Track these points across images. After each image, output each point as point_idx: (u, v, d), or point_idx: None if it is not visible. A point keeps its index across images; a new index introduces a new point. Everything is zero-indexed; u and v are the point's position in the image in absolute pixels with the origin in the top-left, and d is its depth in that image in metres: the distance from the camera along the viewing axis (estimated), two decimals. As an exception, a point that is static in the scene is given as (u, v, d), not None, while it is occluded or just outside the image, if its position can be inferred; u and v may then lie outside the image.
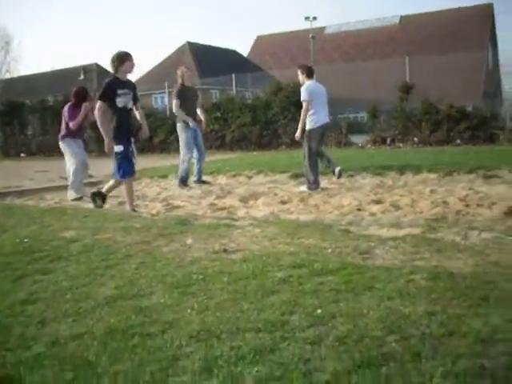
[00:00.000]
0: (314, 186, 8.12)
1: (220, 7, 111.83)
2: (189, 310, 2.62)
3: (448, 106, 17.06)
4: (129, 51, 6.49)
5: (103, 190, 6.91)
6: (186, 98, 9.07)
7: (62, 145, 8.56)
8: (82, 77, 57.01)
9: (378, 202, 6.99)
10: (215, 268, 3.23)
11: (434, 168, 8.86)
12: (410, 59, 18.60)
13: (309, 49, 54.28)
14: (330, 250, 3.37)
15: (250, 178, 9.90)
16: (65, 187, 9.97)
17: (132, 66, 6.48)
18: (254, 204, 7.29)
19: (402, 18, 58.53)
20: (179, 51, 45.48)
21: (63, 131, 8.50)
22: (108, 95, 6.34)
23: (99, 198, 6.79)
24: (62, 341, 2.41)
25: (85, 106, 8.34)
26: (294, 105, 18.41)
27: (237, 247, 3.74)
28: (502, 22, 76.52)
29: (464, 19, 52.98)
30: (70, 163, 8.48)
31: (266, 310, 2.52)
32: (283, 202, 7.28)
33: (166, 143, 20.94)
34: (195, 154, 9.16)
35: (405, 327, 2.22)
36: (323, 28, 60.15)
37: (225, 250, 3.62)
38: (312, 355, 2.04)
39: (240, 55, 53.64)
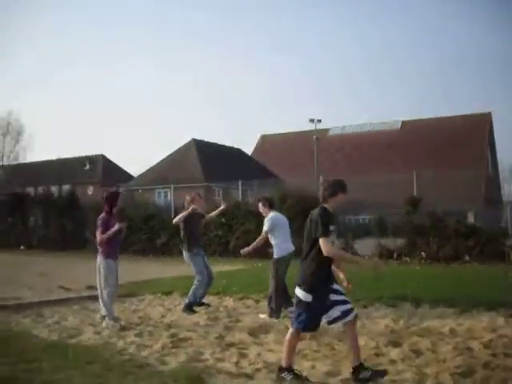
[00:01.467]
0: (274, 314, 8.23)
1: (226, 109, 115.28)
2: None
3: (456, 221, 16.96)
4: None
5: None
6: (195, 224, 9.02)
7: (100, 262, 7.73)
8: (87, 167, 57.94)
9: (395, 343, 6.59)
10: None
11: (451, 302, 8.50)
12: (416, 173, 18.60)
13: (312, 149, 55.29)
14: None
15: (257, 302, 9.53)
16: (63, 300, 9.68)
17: (343, 200, 5.16)
18: (265, 339, 6.88)
19: (403, 122, 59.94)
20: (185, 147, 46.23)
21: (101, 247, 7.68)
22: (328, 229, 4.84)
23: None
24: None
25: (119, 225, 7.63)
26: (302, 213, 18.32)
27: None
28: (499, 131, 78.31)
29: (464, 126, 54.22)
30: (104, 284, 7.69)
31: None
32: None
33: (168, 245, 20.68)
34: (203, 277, 8.87)
35: None
36: (327, 130, 61.47)
37: None
38: None
39: (244, 153, 54.49)
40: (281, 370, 4.98)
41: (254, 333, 7.23)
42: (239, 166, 44.07)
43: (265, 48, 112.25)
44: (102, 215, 7.75)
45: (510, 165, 64.20)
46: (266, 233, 8.37)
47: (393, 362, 5.87)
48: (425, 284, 10.64)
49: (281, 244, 8.37)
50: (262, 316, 8.32)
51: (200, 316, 8.51)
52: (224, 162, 43.98)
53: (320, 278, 4.92)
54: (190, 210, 8.94)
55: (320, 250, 4.76)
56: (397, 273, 13.18)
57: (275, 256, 8.42)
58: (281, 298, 8.34)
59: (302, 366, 5.65)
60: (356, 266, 5.67)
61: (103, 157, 59.12)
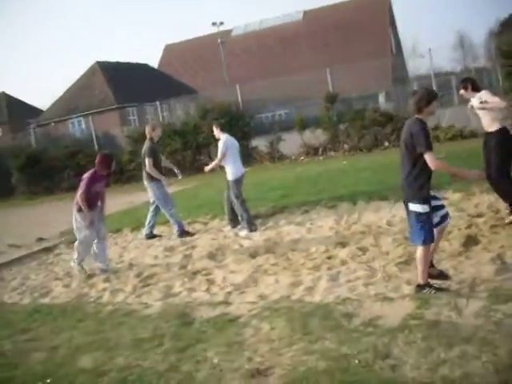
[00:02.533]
0: (253, 226, 8.89)
1: (127, 21, 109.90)
2: None
3: (373, 111, 17.79)
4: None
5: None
6: (157, 155, 9.33)
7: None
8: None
9: (343, 244, 7.30)
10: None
11: (383, 195, 9.29)
12: (330, 70, 19.08)
13: (218, 54, 54.50)
14: (356, 361, 3.58)
15: (206, 224, 9.99)
16: (18, 259, 9.79)
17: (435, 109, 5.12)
18: (224, 262, 7.42)
19: (305, 13, 59.70)
20: (89, 72, 44.52)
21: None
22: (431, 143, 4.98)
23: None
24: None
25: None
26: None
27: (265, 362, 3.85)
28: (399, 9, 79.57)
29: (364, 8, 54.64)
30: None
31: None
32: (252, 256, 7.46)
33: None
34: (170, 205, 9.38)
35: None
36: (230, 31, 60.45)
37: (259, 372, 3.69)
38: None
39: (152, 68, 53.09)
40: (420, 287, 5.06)
41: (212, 256, 7.76)
42: (149, 82, 43.17)
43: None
44: (89, 174, 7.85)
45: (412, 40, 65.72)
46: (223, 155, 8.80)
47: (344, 262, 6.57)
48: (356, 179, 11.42)
49: (234, 166, 8.89)
50: (242, 234, 8.82)
51: (156, 249, 8.92)
52: (133, 80, 42.91)
53: (428, 188, 5.08)
54: (148, 143, 9.25)
55: (425, 164, 4.86)
56: (328, 170, 13.96)
57: (231, 178, 8.89)
58: (248, 211, 8.98)
59: (267, 282, 6.27)
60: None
61: (5, 94, 55.89)
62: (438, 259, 5.88)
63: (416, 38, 63.26)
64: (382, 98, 38.98)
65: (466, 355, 3.45)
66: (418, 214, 4.99)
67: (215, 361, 3.98)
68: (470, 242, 6.45)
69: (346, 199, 9.60)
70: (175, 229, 9.42)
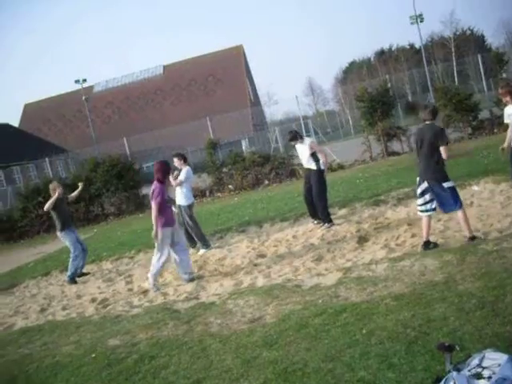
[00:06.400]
0: (207, 243, 10.34)
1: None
2: None
3: (252, 153, 20.01)
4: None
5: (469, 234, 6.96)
6: (62, 206, 10.55)
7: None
8: None
9: (262, 255, 9.05)
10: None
11: (285, 217, 11.26)
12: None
13: (82, 109, 54.98)
14: (320, 301, 5.35)
15: (132, 258, 11.26)
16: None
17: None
18: (164, 282, 8.84)
19: (165, 67, 62.03)
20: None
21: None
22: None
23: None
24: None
25: None
26: (116, 177, 20.00)
27: (255, 315, 5.50)
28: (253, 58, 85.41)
29: (222, 61, 58.02)
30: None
31: None
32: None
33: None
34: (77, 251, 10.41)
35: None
36: (92, 87, 61.14)
37: (255, 320, 5.27)
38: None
39: (14, 127, 52.25)
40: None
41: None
42: (12, 142, 42.72)
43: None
44: (157, 184, 8.19)
45: (266, 89, 70.19)
46: (182, 182, 10.07)
47: (269, 266, 8.27)
48: (254, 209, 13.33)
49: (189, 193, 10.30)
50: (200, 252, 10.15)
51: (96, 281, 10.04)
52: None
53: None
54: (55, 196, 10.32)
55: (440, 153, 6.78)
56: (225, 206, 15.76)
57: (185, 203, 10.19)
58: (202, 230, 10.36)
59: (214, 287, 7.76)
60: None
61: None
62: (341, 254, 7.90)
63: (270, 87, 68.01)
64: (245, 144, 41.95)
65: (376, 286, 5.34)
66: (451, 188, 6.86)
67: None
68: (362, 240, 8.52)
69: (253, 224, 11.41)
70: (69, 273, 10.38)
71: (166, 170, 8.44)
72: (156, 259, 8.29)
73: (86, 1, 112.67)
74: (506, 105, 8.31)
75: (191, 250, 10.34)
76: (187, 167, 10.36)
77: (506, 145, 8.21)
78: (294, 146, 10.68)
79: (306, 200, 10.33)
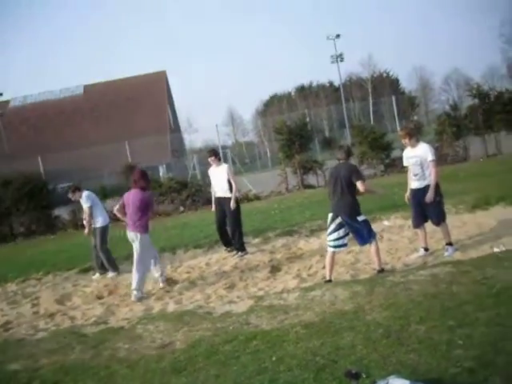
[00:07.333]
0: (116, 269, 10.09)
1: None
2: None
3: (169, 179, 19.84)
4: None
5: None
6: None
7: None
8: None
9: (174, 282, 8.92)
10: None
11: (198, 244, 11.20)
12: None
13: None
14: (231, 328, 5.30)
15: (40, 279, 10.79)
16: None
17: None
18: (73, 305, 8.53)
19: (85, 87, 60.85)
20: None
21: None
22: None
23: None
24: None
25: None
26: (27, 196, 19.23)
27: (170, 340, 5.36)
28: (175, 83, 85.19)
29: (143, 85, 57.64)
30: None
31: None
32: (99, 297, 8.70)
33: None
34: None
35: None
36: (8, 102, 59.02)
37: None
38: None
39: None
40: (379, 271, 7.14)
41: (61, 301, 8.80)
42: None
43: None
44: (147, 193, 8.46)
45: (186, 116, 70.43)
46: (90, 208, 9.97)
47: (181, 292, 8.17)
48: (168, 235, 13.18)
49: (101, 215, 10.12)
50: (110, 275, 9.95)
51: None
52: None
53: None
54: None
55: (356, 189, 7.13)
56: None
57: (100, 225, 10.03)
58: (112, 256, 10.13)
59: (121, 312, 7.58)
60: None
61: None
62: (253, 283, 7.94)
63: (191, 114, 68.29)
64: (162, 170, 41.65)
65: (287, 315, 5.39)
66: (365, 220, 7.22)
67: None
68: (275, 269, 8.61)
69: (167, 250, 11.26)
70: None
71: (147, 176, 8.60)
72: (135, 269, 8.21)
73: (8, 14, 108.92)
74: (405, 147, 8.16)
75: (97, 276, 10.19)
76: (85, 193, 10.18)
77: (408, 193, 8.16)
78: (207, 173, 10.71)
79: (218, 229, 10.32)
